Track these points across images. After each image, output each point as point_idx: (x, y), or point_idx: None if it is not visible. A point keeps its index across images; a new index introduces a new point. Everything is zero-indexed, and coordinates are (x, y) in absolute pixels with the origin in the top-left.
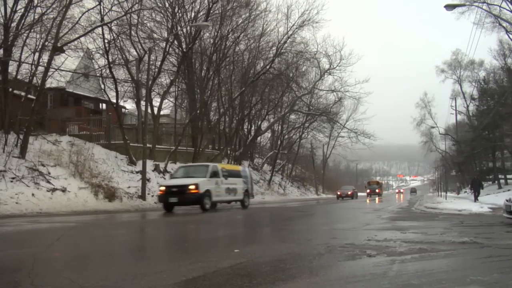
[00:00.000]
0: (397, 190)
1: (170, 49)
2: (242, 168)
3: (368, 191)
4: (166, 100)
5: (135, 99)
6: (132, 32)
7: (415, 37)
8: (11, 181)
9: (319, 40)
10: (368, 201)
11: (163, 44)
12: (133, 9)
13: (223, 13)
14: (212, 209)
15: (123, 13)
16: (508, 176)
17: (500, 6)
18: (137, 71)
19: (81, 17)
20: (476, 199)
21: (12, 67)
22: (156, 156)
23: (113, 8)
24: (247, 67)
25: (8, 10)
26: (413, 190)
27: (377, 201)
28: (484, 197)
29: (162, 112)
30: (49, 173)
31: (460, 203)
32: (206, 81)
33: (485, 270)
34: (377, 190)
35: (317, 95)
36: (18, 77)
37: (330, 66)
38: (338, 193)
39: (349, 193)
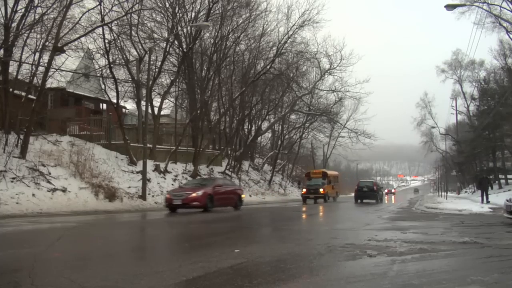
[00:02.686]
0: (386, 190)
1: (171, 49)
2: None
3: (303, 191)
4: (167, 100)
5: (136, 99)
6: (133, 32)
7: (416, 37)
8: (12, 181)
9: (320, 40)
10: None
11: (163, 44)
12: (133, 9)
13: (223, 13)
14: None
15: (123, 13)
16: (509, 176)
17: (500, 6)
18: (137, 71)
19: (81, 17)
20: (487, 200)
21: (12, 67)
22: (156, 156)
23: (114, 8)
24: (248, 67)
25: (9, 10)
26: (415, 190)
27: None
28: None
29: (162, 112)
30: (50, 173)
31: (461, 203)
32: (206, 81)
33: (486, 270)
34: (321, 191)
35: (318, 95)
36: (19, 77)
37: (330, 66)
38: (167, 196)
39: (193, 195)
